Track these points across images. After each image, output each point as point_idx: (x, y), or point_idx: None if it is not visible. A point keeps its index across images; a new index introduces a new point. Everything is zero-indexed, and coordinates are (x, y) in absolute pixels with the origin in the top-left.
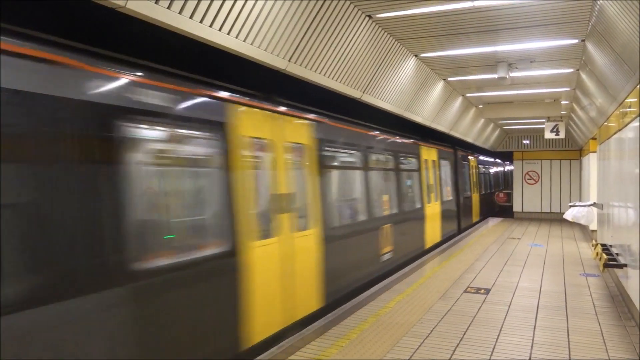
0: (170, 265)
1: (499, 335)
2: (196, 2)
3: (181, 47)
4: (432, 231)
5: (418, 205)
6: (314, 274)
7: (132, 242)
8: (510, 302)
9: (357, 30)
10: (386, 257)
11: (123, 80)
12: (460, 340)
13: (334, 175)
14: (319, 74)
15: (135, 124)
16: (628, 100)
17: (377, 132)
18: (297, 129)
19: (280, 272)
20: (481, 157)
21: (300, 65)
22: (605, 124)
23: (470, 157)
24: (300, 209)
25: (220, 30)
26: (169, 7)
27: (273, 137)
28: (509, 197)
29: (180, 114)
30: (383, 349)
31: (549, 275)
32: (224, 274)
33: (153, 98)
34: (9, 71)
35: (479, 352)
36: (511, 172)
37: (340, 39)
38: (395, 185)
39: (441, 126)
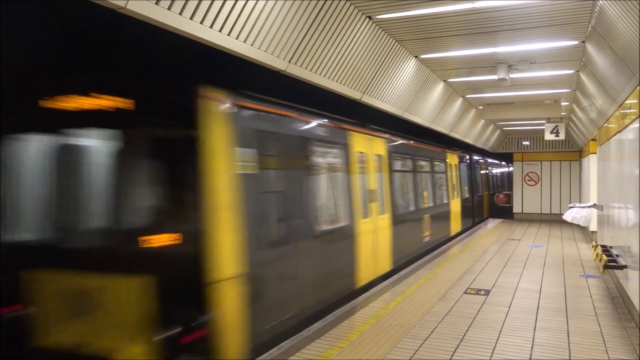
0: (330, 229)
1: (499, 337)
2: (197, 3)
3: (182, 47)
4: (455, 222)
5: (445, 201)
6: (387, 245)
7: (319, 216)
8: (511, 303)
9: (357, 31)
10: (426, 239)
11: (312, 123)
12: (460, 342)
13: (397, 176)
14: (319, 75)
15: (314, 146)
16: (628, 101)
17: (420, 143)
18: (378, 145)
19: (371, 241)
20: (489, 160)
21: (301, 66)
22: (605, 125)
23: (481, 160)
24: (380, 200)
25: (220, 31)
26: (169, 8)
27: (367, 151)
28: (509, 198)
29: (330, 139)
30: (383, 350)
31: (549, 277)
32: (349, 237)
33: (323, 131)
34: (261, 121)
35: (479, 353)
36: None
37: (341, 40)
38: (431, 184)
39: (441, 127)
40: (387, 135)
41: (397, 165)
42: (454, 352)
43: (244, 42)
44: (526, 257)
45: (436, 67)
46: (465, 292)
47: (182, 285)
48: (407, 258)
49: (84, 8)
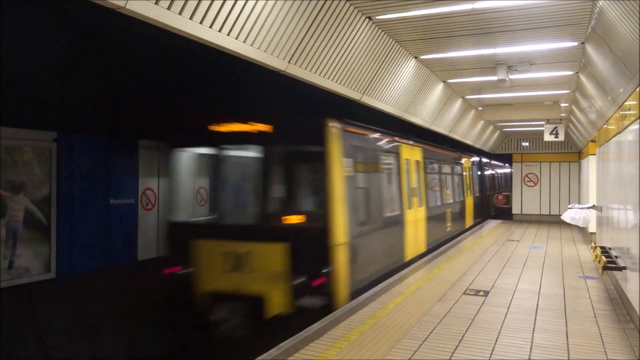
0: (391, 215)
1: (497, 338)
2: (196, 2)
3: (181, 47)
4: (469, 217)
5: (461, 199)
6: (423, 231)
7: (385, 205)
8: (509, 304)
9: (357, 31)
10: (448, 229)
11: (379, 138)
12: (459, 342)
13: (429, 177)
14: (319, 75)
15: (381, 155)
16: (628, 102)
17: (444, 149)
18: (416, 152)
19: (413, 227)
20: (494, 162)
21: (300, 66)
22: (605, 126)
23: (487, 162)
24: (418, 195)
25: (220, 31)
26: (169, 8)
27: (410, 157)
28: (508, 199)
29: (390, 150)
30: (382, 350)
31: (548, 278)
32: (401, 223)
33: (385, 144)
34: (354, 139)
35: (478, 354)
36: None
37: (340, 41)
38: (452, 184)
39: (441, 128)
40: (422, 145)
41: (429, 168)
42: (453, 353)
43: (244, 42)
44: (525, 258)
45: (436, 67)
46: (464, 293)
47: (311, 248)
48: (435, 243)
49: (83, 8)
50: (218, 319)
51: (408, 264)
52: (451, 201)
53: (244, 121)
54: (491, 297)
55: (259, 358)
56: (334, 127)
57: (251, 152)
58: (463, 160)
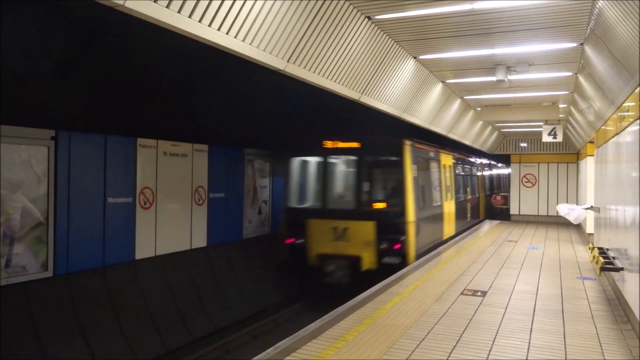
0: (436, 204)
1: (495, 338)
2: (195, 1)
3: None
4: (483, 210)
5: (477, 195)
6: (452, 219)
7: (434, 197)
8: (507, 304)
9: (356, 31)
10: (468, 219)
11: (429, 149)
12: (457, 343)
13: (457, 177)
14: (318, 74)
15: (430, 161)
16: (626, 104)
17: (464, 154)
18: (448, 158)
19: (447, 214)
20: (499, 164)
21: (299, 65)
22: (603, 127)
23: (493, 163)
24: (450, 191)
25: (219, 29)
26: (167, 6)
27: (445, 163)
28: (506, 199)
29: (434, 158)
30: (379, 350)
31: (545, 278)
32: (441, 210)
33: (432, 154)
34: (416, 151)
35: (476, 354)
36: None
37: (339, 40)
38: (471, 182)
39: (439, 128)
40: (451, 152)
41: (456, 170)
42: (450, 353)
43: (243, 41)
44: (523, 258)
45: (435, 68)
46: (461, 293)
47: (391, 224)
48: (459, 230)
49: (81, 7)
50: (329, 272)
51: (444, 242)
52: (470, 197)
53: (347, 140)
54: (489, 297)
55: (255, 358)
56: (407, 144)
57: (353, 161)
58: (477, 163)
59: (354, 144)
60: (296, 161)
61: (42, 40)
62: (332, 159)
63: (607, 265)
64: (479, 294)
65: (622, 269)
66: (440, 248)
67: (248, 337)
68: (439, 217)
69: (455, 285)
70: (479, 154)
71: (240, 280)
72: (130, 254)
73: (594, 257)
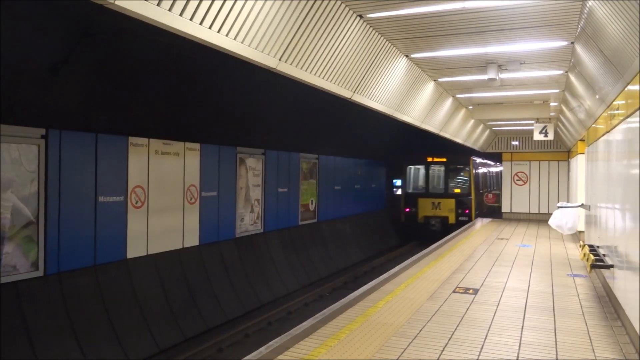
0: (474, 194)
1: (487, 335)
2: (185, 0)
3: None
4: (494, 198)
5: (488, 189)
6: (472, 205)
7: (474, 189)
8: (499, 302)
9: (348, 30)
10: (482, 207)
11: (482, 161)
12: (449, 340)
13: (477, 176)
14: (310, 73)
15: (476, 168)
16: (616, 102)
17: (481, 157)
18: (484, 163)
19: (472, 202)
20: (493, 162)
21: (291, 64)
22: (594, 125)
23: (492, 162)
24: (474, 186)
25: (210, 28)
26: (158, 4)
27: (482, 168)
28: (498, 197)
29: (481, 164)
30: (372, 348)
31: (536, 276)
32: (471, 197)
33: (478, 161)
34: (476, 163)
35: (467, 352)
36: None
37: (331, 39)
38: (489, 179)
39: (431, 127)
40: (485, 159)
41: (478, 170)
42: (442, 351)
43: (234, 39)
44: (514, 256)
45: (426, 66)
46: (453, 291)
47: (463, 201)
48: (481, 214)
49: (73, 4)
50: (431, 224)
51: (484, 213)
52: (487, 191)
53: (439, 156)
54: (480, 295)
55: (246, 357)
56: (472, 159)
57: (443, 168)
58: (491, 164)
59: (443, 159)
60: (412, 168)
61: (32, 38)
62: (431, 167)
63: (598, 263)
64: (470, 291)
65: (612, 266)
66: (440, 241)
67: (241, 336)
68: (481, 199)
69: (447, 283)
70: (478, 154)
71: (232, 280)
72: (122, 253)
73: (584, 254)
